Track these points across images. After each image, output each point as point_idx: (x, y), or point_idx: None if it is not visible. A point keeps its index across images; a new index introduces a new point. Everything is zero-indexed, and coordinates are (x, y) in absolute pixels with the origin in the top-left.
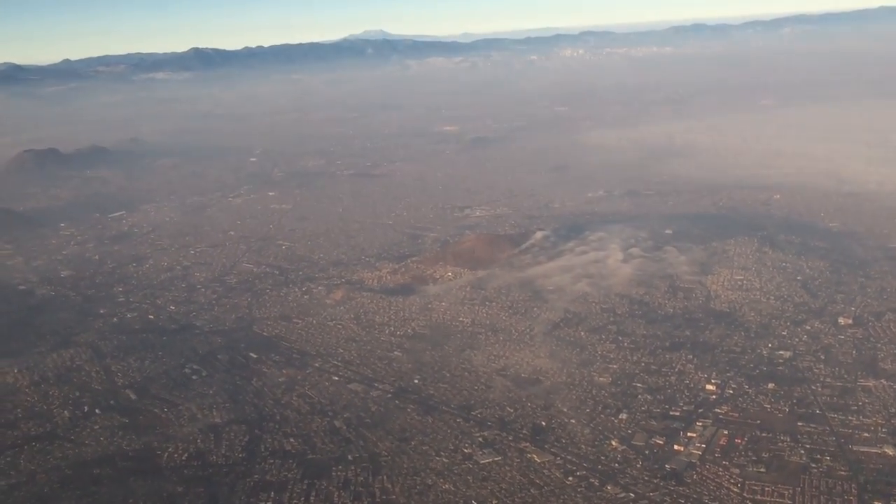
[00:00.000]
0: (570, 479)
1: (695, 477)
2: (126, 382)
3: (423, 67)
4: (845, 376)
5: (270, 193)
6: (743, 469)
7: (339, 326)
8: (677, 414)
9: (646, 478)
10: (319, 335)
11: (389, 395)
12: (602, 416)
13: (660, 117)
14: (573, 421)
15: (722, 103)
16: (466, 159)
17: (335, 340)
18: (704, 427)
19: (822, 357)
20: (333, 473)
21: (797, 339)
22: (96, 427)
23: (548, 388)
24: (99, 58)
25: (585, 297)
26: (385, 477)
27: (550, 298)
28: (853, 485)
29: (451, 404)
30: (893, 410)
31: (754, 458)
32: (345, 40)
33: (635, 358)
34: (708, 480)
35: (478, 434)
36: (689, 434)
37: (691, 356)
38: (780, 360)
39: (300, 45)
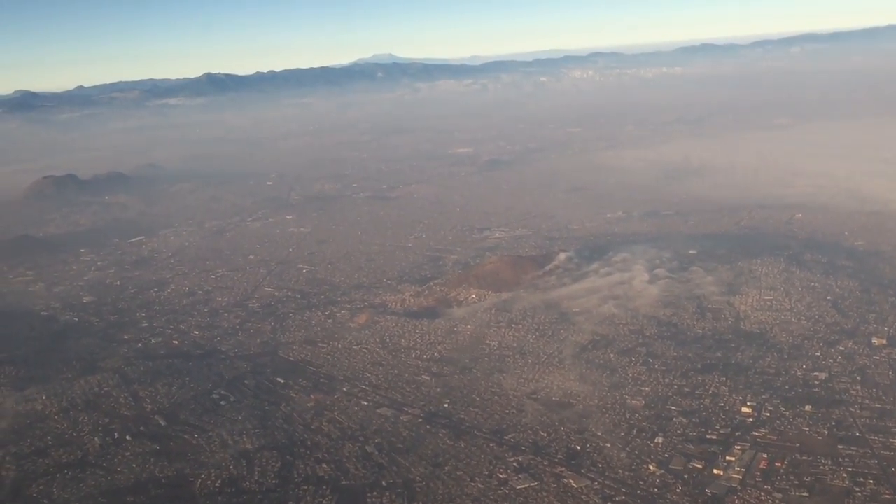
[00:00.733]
0: None
1: (736, 502)
2: (155, 408)
3: (433, 90)
4: (883, 398)
5: (288, 217)
6: (785, 493)
7: (365, 350)
8: (714, 437)
9: (686, 503)
10: (346, 359)
11: (420, 420)
12: (637, 439)
13: (674, 137)
14: (608, 445)
15: (736, 122)
16: (482, 181)
17: (361, 364)
18: (743, 451)
19: (859, 378)
20: (368, 500)
21: (831, 361)
22: (127, 454)
23: (580, 412)
24: (113, 84)
25: (613, 318)
26: (421, 503)
27: (577, 320)
28: None
29: (483, 429)
30: None
31: (796, 482)
32: (355, 64)
33: (667, 380)
34: None
35: (512, 459)
36: (727, 458)
37: (724, 378)
38: (816, 382)
39: (311, 69)
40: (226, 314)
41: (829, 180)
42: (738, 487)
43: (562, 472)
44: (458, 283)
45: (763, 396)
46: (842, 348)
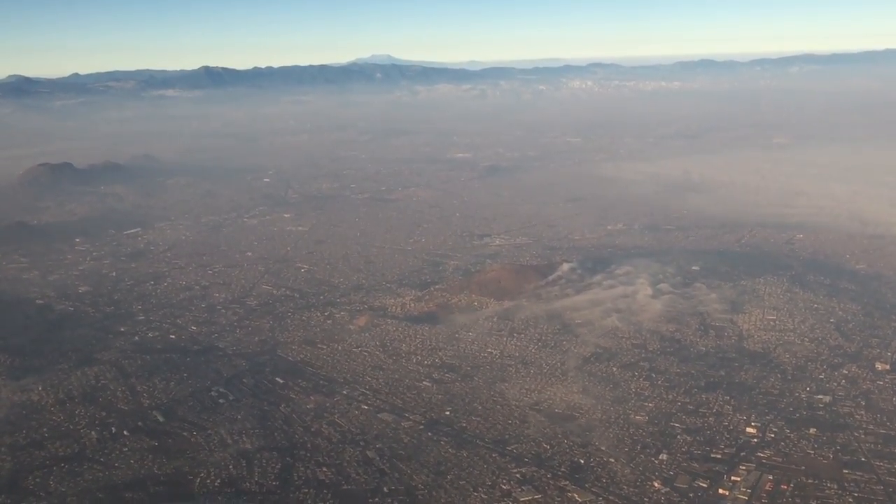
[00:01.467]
0: None
1: None
2: (152, 403)
3: (432, 94)
4: (888, 424)
5: (286, 215)
6: None
7: (365, 354)
8: (719, 457)
9: None
10: (346, 362)
11: (421, 427)
12: (641, 455)
13: (674, 151)
14: (612, 460)
15: (735, 139)
16: (481, 187)
17: (362, 368)
18: (748, 471)
19: (863, 403)
20: None
21: (835, 384)
22: (125, 449)
23: (583, 425)
24: (108, 73)
25: (616, 332)
26: None
27: (580, 332)
28: None
29: (485, 438)
30: None
31: None
32: (353, 64)
33: (671, 397)
34: None
35: (515, 470)
36: (733, 478)
37: (728, 397)
38: (820, 405)
39: (309, 67)
40: (223, 311)
41: (830, 202)
42: None
43: (566, 485)
44: (459, 290)
45: (767, 417)
46: (845, 372)
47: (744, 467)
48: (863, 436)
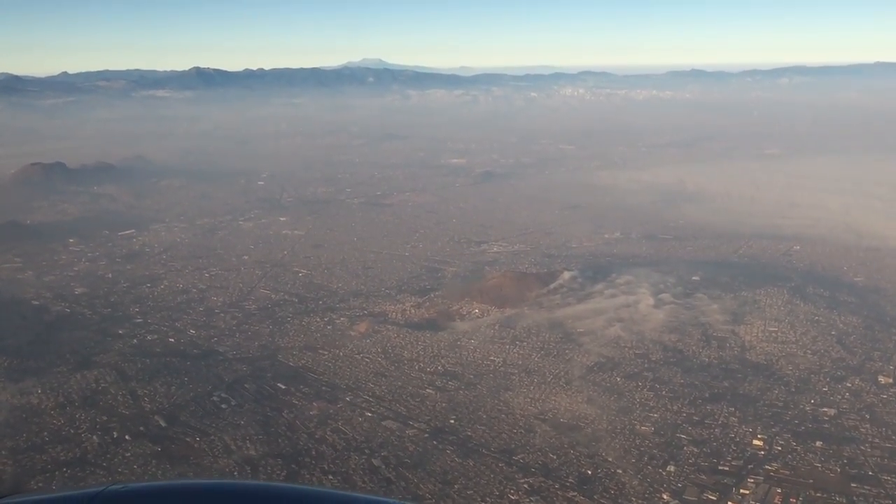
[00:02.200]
0: None
1: None
2: (154, 408)
3: (424, 99)
4: (893, 438)
5: (282, 219)
6: None
7: (367, 360)
8: (726, 469)
9: None
10: (348, 368)
11: (426, 435)
12: (649, 467)
13: (667, 160)
14: (620, 471)
15: (728, 149)
16: (477, 193)
17: (364, 374)
18: (756, 484)
19: (868, 417)
20: None
21: (839, 397)
22: (128, 454)
23: (589, 436)
24: (98, 72)
25: (618, 341)
26: None
27: (583, 341)
28: None
29: (491, 447)
30: None
31: None
32: (345, 67)
33: (675, 407)
34: None
35: (522, 480)
36: (742, 491)
37: (733, 409)
38: (825, 418)
39: (301, 69)
40: (222, 314)
41: (825, 213)
42: None
43: (574, 496)
44: (460, 297)
45: (773, 429)
46: (849, 385)
47: (752, 480)
48: (869, 449)
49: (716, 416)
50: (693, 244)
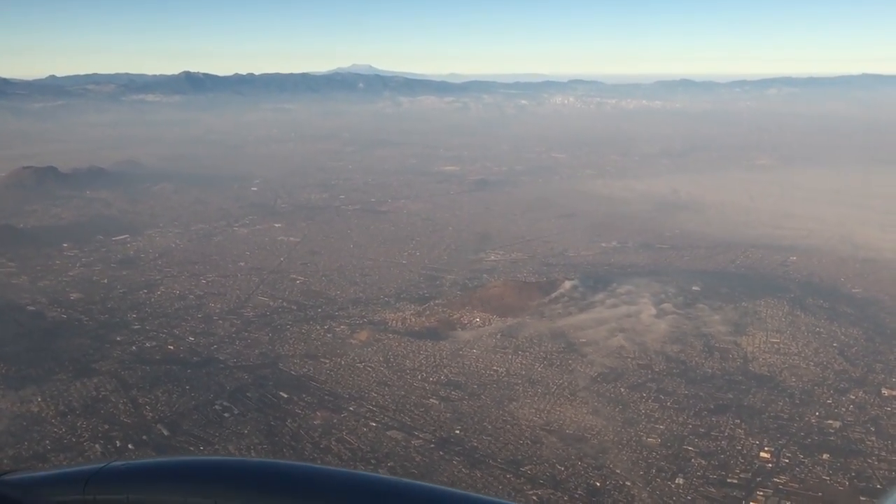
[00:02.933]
0: None
1: None
2: (156, 417)
3: (415, 105)
4: None
5: (276, 225)
6: None
7: (369, 369)
8: (735, 482)
9: None
10: (350, 377)
11: (432, 446)
12: (658, 479)
13: (660, 170)
14: (629, 483)
15: (720, 159)
16: (472, 201)
17: (367, 383)
18: (766, 497)
19: (873, 429)
20: None
21: (844, 409)
22: None
23: (596, 447)
24: (87, 76)
25: (621, 351)
26: None
27: (586, 351)
28: None
29: (498, 458)
30: None
31: None
32: (335, 73)
33: (681, 419)
34: None
35: (531, 492)
36: None
37: (739, 420)
38: (831, 430)
39: (291, 75)
40: (220, 321)
41: (820, 224)
42: None
43: None
44: (461, 305)
45: (780, 442)
46: (853, 397)
47: (761, 493)
48: (876, 462)
49: (722, 428)
50: (690, 254)
